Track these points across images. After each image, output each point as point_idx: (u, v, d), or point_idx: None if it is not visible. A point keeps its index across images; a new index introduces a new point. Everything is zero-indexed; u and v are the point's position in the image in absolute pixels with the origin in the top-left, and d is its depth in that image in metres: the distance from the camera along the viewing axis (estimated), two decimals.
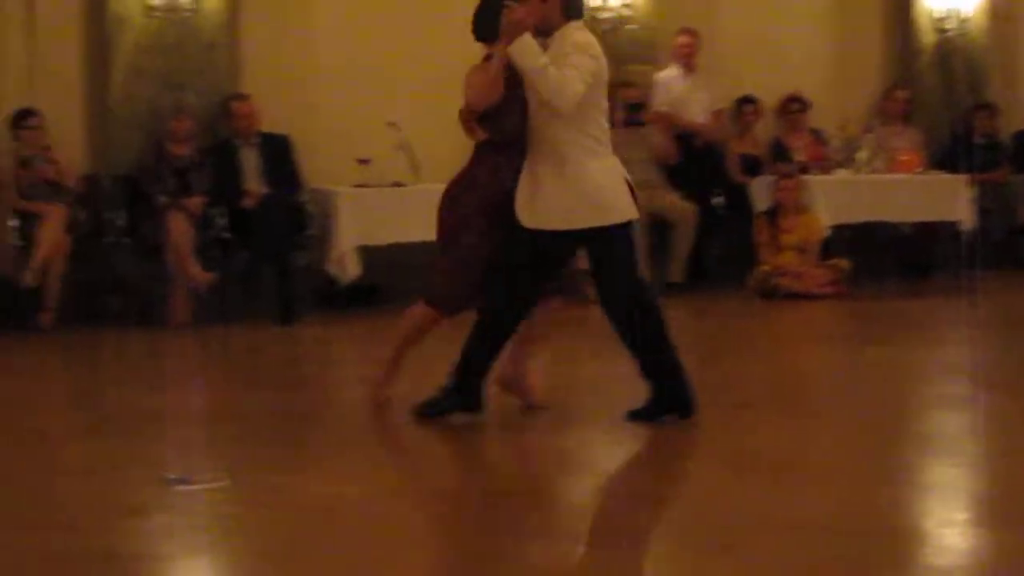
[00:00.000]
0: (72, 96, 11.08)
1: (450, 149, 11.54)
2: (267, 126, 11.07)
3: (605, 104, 6.82)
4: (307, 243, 10.87)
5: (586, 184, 6.66)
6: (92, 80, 11.14)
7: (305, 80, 11.44)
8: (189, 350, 9.98)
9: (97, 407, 7.89)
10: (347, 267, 10.69)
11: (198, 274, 10.35)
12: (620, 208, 6.75)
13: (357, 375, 8.67)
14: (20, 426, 7.27)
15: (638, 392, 6.82)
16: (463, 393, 6.85)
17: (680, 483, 6.19)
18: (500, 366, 7.09)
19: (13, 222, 10.56)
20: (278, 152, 11.03)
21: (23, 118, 10.66)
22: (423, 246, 10.81)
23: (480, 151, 6.93)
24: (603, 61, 6.73)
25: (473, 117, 6.86)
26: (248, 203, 10.68)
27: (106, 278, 10.75)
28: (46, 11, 10.94)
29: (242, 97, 11.07)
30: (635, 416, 6.81)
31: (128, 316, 10.54)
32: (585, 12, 7.14)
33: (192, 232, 10.46)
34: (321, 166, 11.22)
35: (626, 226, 6.80)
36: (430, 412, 6.87)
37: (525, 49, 6.52)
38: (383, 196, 10.95)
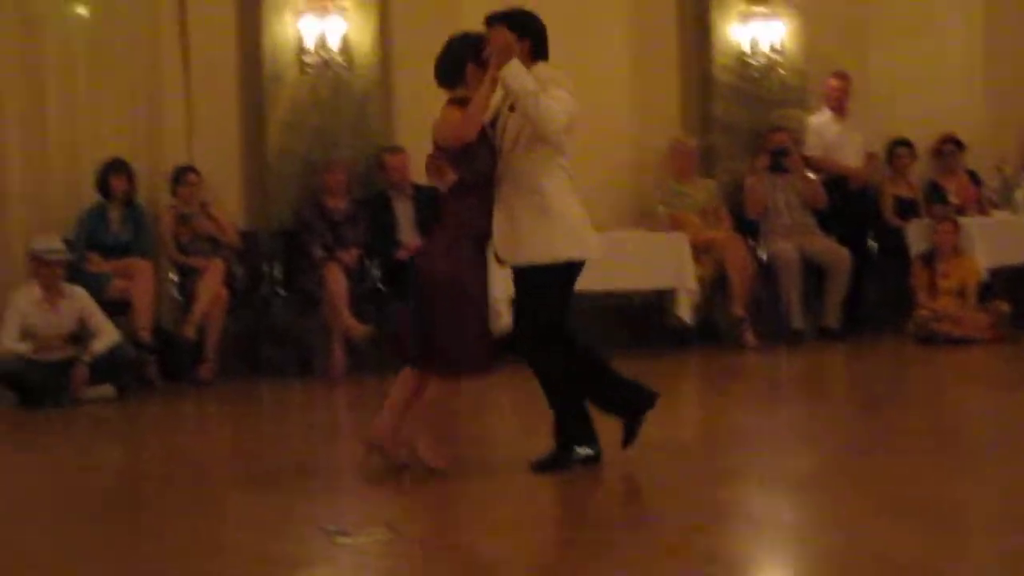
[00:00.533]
0: (230, 153, 11.32)
1: (600, 198, 11.66)
2: (420, 178, 11.17)
3: (572, 140, 6.85)
4: None
5: (569, 218, 6.75)
6: (249, 137, 11.37)
7: None
8: (346, 401, 10.07)
9: (255, 458, 7.97)
10: (499, 317, 10.71)
11: (354, 326, 10.46)
12: (594, 244, 6.89)
13: (517, 425, 8.72)
14: (183, 477, 7.38)
15: (806, 442, 6.69)
16: (576, 439, 6.90)
17: (843, 531, 6.07)
18: (372, 425, 7.03)
19: (173, 277, 10.79)
20: (431, 204, 11.11)
21: (182, 175, 10.89)
22: (573, 296, 10.91)
23: (453, 194, 6.87)
24: (575, 98, 6.78)
25: (445, 159, 6.84)
26: (403, 255, 10.78)
27: (264, 330, 10.92)
28: (203, 70, 11.21)
29: (395, 150, 11.20)
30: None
31: (286, 367, 10.69)
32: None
33: (348, 284, 10.58)
34: None
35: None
36: (553, 466, 6.86)
37: (518, 71, 6.60)
38: None
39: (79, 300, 10.01)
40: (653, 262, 11.17)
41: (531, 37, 6.78)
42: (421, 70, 11.34)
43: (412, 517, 6.26)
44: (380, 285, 10.83)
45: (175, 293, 10.83)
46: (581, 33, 11.83)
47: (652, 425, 7.05)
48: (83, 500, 6.87)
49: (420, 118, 11.33)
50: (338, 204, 10.98)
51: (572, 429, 6.89)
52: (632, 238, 11.29)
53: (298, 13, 11.22)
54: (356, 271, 10.76)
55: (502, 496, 6.67)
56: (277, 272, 10.91)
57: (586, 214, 6.84)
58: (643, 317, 11.89)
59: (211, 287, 10.52)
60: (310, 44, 11.22)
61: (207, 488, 7.17)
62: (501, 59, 6.60)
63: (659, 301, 11.62)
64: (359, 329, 10.49)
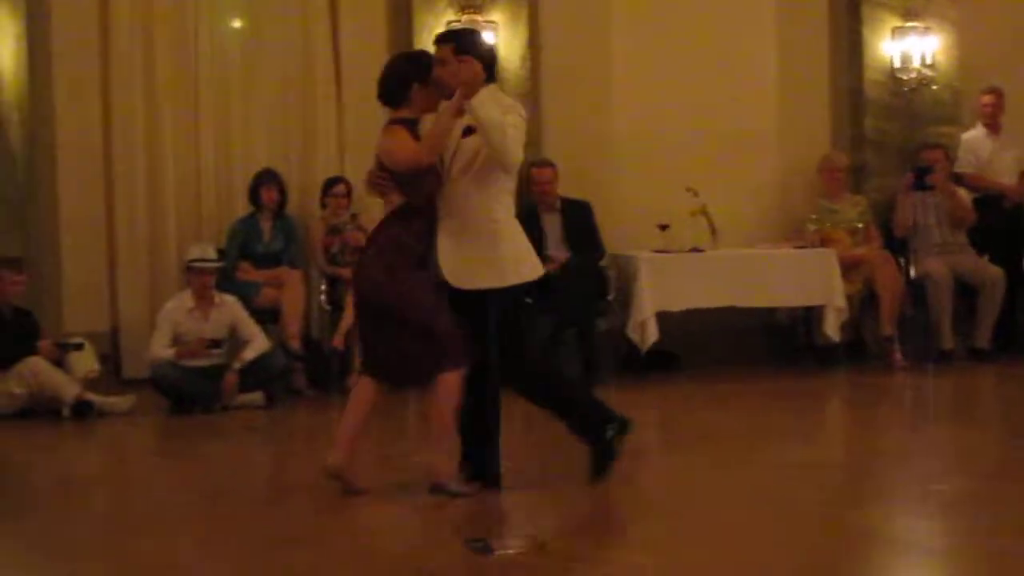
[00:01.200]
0: None
1: (748, 214, 11.62)
2: (568, 192, 11.21)
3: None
4: (608, 309, 10.94)
5: (520, 239, 6.80)
6: None
7: (604, 147, 11.57)
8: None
9: (396, 468, 8.02)
10: (647, 333, 10.72)
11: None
12: (539, 266, 6.96)
13: (659, 440, 8.71)
14: (321, 485, 7.46)
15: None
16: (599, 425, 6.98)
17: (990, 558, 5.97)
18: (331, 454, 6.98)
19: (322, 287, 10.94)
20: (579, 218, 11.15)
21: (332, 186, 11.04)
22: (719, 312, 10.88)
23: (398, 217, 6.82)
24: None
25: (391, 181, 6.77)
26: (550, 268, 10.80)
27: None
28: (354, 83, 11.34)
29: (543, 164, 11.23)
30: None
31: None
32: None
33: None
34: (621, 232, 11.31)
35: None
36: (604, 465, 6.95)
37: (485, 103, 6.49)
38: (682, 262, 10.95)
39: (230, 308, 10.20)
40: (801, 279, 11.07)
41: (481, 60, 6.65)
42: (570, 84, 11.57)
43: (555, 528, 6.27)
44: (527, 298, 10.83)
45: (324, 303, 10.97)
46: (730, 49, 11.82)
47: (796, 444, 7.00)
48: (231, 506, 6.98)
49: (568, 132, 11.50)
50: None
51: (592, 420, 6.96)
52: (780, 255, 11.21)
53: (447, 27, 11.28)
54: None
55: (649, 510, 6.68)
56: None
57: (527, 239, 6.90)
58: (789, 335, 11.82)
59: None
60: None
61: (353, 497, 7.25)
62: (469, 90, 6.49)
63: (806, 318, 11.53)
64: None
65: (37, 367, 9.80)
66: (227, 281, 10.49)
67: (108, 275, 11.28)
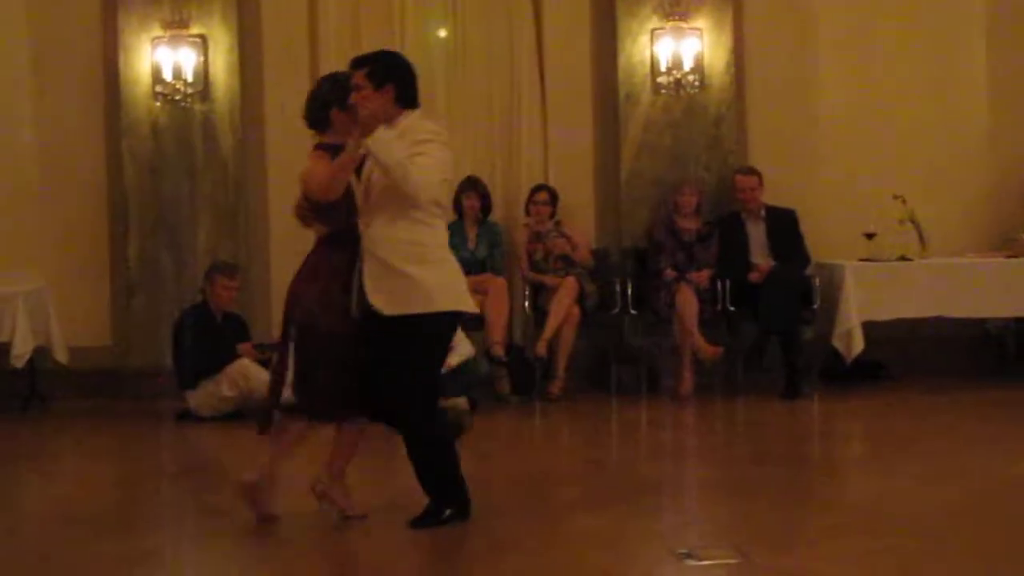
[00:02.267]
0: (584, 172, 11.47)
1: (957, 223, 11.37)
2: (773, 199, 11.09)
3: (447, 190, 6.75)
4: (812, 317, 10.79)
5: (448, 267, 6.50)
6: (602, 156, 11.50)
7: (810, 154, 11.43)
8: (694, 421, 10.07)
9: (603, 476, 8.04)
10: (852, 342, 10.55)
11: (704, 347, 10.44)
12: (469, 299, 6.60)
13: (859, 453, 8.57)
14: (527, 492, 7.50)
15: None
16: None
17: None
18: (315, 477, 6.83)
19: (525, 293, 10.99)
20: (784, 226, 11.03)
21: (537, 194, 11.08)
22: (927, 322, 10.67)
23: (329, 245, 6.62)
24: (448, 148, 6.47)
25: (311, 209, 6.57)
26: (754, 277, 10.72)
27: (614, 348, 10.99)
28: (559, 91, 11.41)
29: (748, 171, 11.13)
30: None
31: (636, 386, 10.75)
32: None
33: (699, 305, 10.57)
34: (827, 240, 11.15)
35: None
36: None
37: (384, 142, 6.18)
38: (889, 271, 10.76)
39: None
40: (1013, 289, 10.79)
41: (394, 83, 6.40)
42: (775, 90, 11.45)
43: (760, 541, 6.21)
44: (731, 306, 10.78)
45: (527, 309, 11.02)
46: (938, 55, 11.61)
47: (1008, 457, 6.83)
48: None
49: (773, 139, 11.38)
50: (690, 225, 10.98)
51: (443, 489, 6.60)
52: (991, 264, 10.94)
53: (653, 35, 11.28)
54: (707, 292, 10.74)
55: (852, 523, 6.57)
56: (628, 291, 10.98)
57: (459, 267, 6.61)
58: (998, 345, 11.54)
59: (563, 305, 10.66)
60: (663, 65, 11.26)
61: (554, 504, 7.27)
62: (366, 129, 6.20)
63: (1017, 330, 11.24)
64: (709, 350, 10.46)
65: (247, 370, 10.00)
66: None
67: None
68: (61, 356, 10.81)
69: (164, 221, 11.15)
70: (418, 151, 6.25)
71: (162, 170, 11.15)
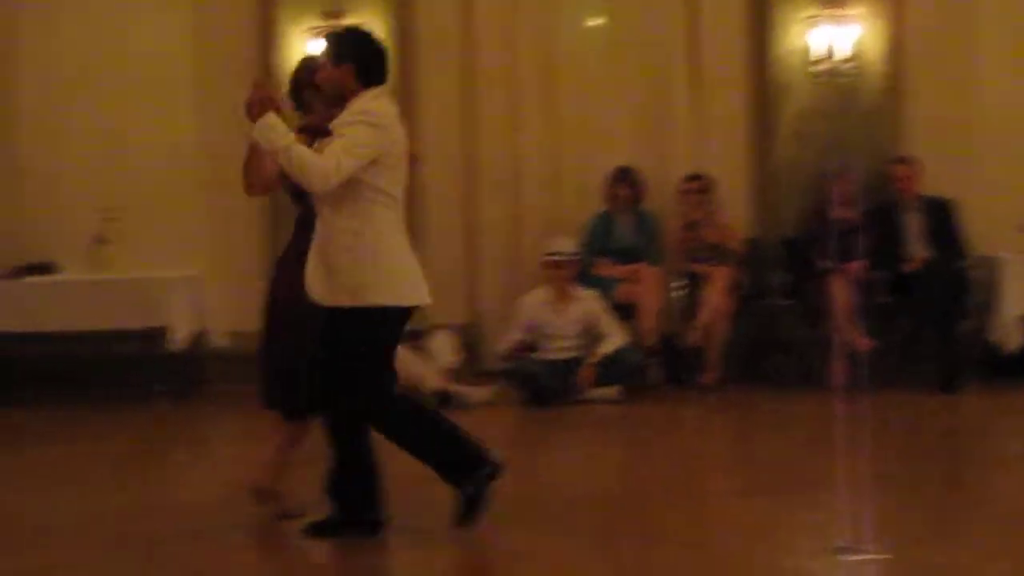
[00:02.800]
0: (737, 161, 11.39)
1: None
2: (930, 190, 10.92)
3: (398, 175, 6.13)
4: (970, 310, 10.62)
5: (388, 261, 6.06)
6: (756, 145, 11.41)
7: (970, 144, 11.21)
8: (848, 415, 9.94)
9: (757, 468, 8.00)
10: (1010, 336, 10.37)
11: (858, 339, 10.32)
12: (415, 292, 6.21)
13: (1016, 448, 8.43)
14: (681, 483, 7.49)
15: None
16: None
17: None
18: (254, 477, 6.69)
19: (679, 283, 10.95)
20: (941, 217, 10.85)
21: (690, 183, 11.04)
22: None
23: (298, 227, 6.47)
24: (391, 130, 6.08)
25: (290, 190, 6.38)
26: (910, 268, 10.57)
27: (768, 339, 10.92)
28: (712, 79, 11.33)
29: (904, 161, 10.98)
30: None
31: (789, 377, 10.67)
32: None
33: (853, 296, 10.46)
34: (985, 232, 10.95)
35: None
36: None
37: (267, 128, 5.91)
38: None
39: (588, 303, 10.32)
40: None
41: (354, 61, 6.11)
42: (933, 78, 11.25)
43: (914, 536, 6.14)
44: (886, 298, 10.65)
45: (680, 299, 10.98)
46: None
47: None
48: (584, 500, 7.05)
49: (931, 128, 11.19)
50: (845, 214, 10.84)
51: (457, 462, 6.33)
52: None
53: (809, 22, 11.17)
54: (862, 283, 10.61)
55: (1002, 520, 6.47)
56: (782, 282, 10.88)
57: (413, 258, 6.20)
58: None
59: (716, 294, 10.62)
60: (820, 52, 11.15)
61: (707, 494, 7.26)
62: (253, 113, 5.96)
63: None
64: (863, 342, 10.34)
65: (401, 357, 10.06)
66: (585, 277, 10.61)
67: (469, 268, 11.55)
68: (220, 340, 11.00)
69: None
70: (339, 133, 5.98)
71: None
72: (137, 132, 11.41)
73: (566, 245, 10.51)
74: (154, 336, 10.59)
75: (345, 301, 6.01)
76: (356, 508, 6.29)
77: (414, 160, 6.48)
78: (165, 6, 11.56)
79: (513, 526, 6.50)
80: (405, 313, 6.18)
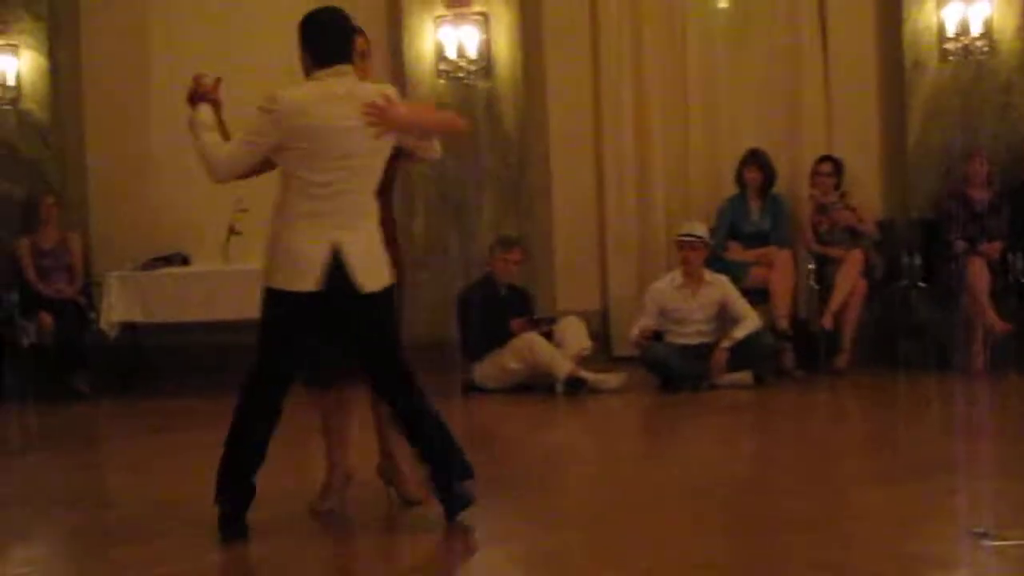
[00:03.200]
0: (869, 142, 11.25)
1: None
2: None
3: (316, 161, 5.85)
4: None
5: (282, 243, 5.87)
6: (888, 125, 11.25)
7: None
8: (984, 398, 9.79)
9: (892, 452, 7.89)
10: None
11: (996, 321, 10.14)
12: (295, 278, 5.87)
13: None
14: (814, 468, 7.40)
15: None
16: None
17: None
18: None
19: (811, 266, 10.83)
20: None
21: (821, 165, 10.91)
22: None
23: None
24: (292, 116, 5.85)
25: None
26: None
27: (902, 322, 10.76)
28: (842, 60, 11.21)
29: None
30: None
31: (924, 360, 10.50)
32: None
33: (990, 278, 10.26)
34: None
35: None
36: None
37: (192, 120, 6.06)
38: None
39: (720, 287, 10.24)
40: None
41: (305, 43, 6.10)
42: None
43: None
44: (1023, 279, 10.45)
45: (812, 283, 10.86)
46: None
47: None
48: (717, 487, 7.00)
49: None
50: (981, 194, 10.66)
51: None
52: None
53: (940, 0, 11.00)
54: (999, 264, 10.41)
55: None
56: (916, 264, 10.72)
57: (309, 245, 5.84)
58: None
59: (849, 277, 10.48)
60: (951, 30, 10.95)
61: (842, 479, 7.16)
62: (190, 103, 6.12)
63: None
64: (1000, 325, 10.16)
65: (533, 343, 10.10)
66: (717, 261, 10.53)
67: (598, 254, 11.53)
68: None
69: (449, 197, 11.34)
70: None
71: (447, 147, 11.23)
72: None
73: (699, 228, 10.44)
74: None
75: (262, 281, 6.03)
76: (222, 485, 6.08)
77: (410, 154, 6.30)
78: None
79: (645, 512, 6.47)
80: (291, 298, 5.88)
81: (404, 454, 6.39)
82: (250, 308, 10.44)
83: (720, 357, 10.01)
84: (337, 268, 5.83)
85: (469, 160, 11.28)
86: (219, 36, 11.55)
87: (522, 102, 11.34)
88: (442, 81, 11.28)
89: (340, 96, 5.91)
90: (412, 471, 6.43)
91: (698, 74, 11.43)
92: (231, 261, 11.05)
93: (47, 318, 10.90)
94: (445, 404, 9.74)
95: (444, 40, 11.24)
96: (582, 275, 11.49)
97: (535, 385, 10.19)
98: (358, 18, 11.33)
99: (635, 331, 10.28)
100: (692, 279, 10.26)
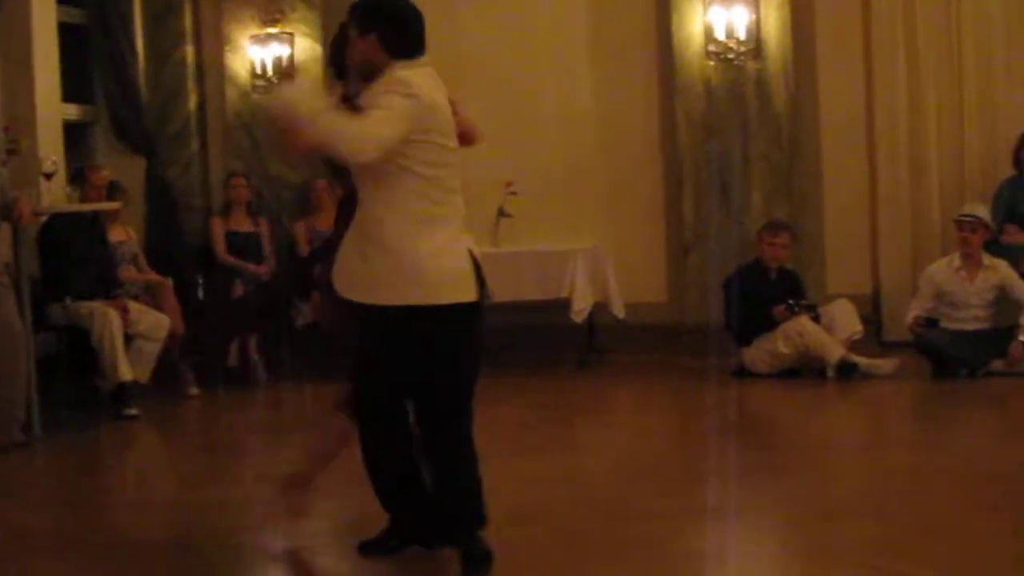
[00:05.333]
0: None
1: None
2: None
3: (433, 157, 5.26)
4: None
5: (405, 257, 5.25)
6: None
7: None
8: None
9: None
10: None
11: None
12: (433, 289, 5.28)
13: None
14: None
15: None
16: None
17: None
18: None
19: None
20: None
21: None
22: None
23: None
24: (423, 101, 5.23)
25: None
26: None
27: None
28: None
29: None
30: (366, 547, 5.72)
31: None
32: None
33: None
34: None
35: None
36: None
37: (299, 93, 5.42)
38: None
39: (1000, 271, 9.95)
40: None
41: (377, 30, 5.37)
42: None
43: None
44: None
45: None
46: None
47: None
48: (994, 475, 6.82)
49: None
50: None
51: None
52: None
53: None
54: None
55: None
56: None
57: (442, 252, 5.27)
58: None
59: None
60: None
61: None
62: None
63: None
64: None
65: (804, 327, 9.98)
66: (994, 244, 10.23)
67: (870, 237, 11.34)
68: (619, 312, 11.11)
69: (717, 179, 11.26)
70: (374, 105, 5.24)
71: (716, 129, 11.25)
72: (536, 105, 11.65)
73: (980, 210, 10.16)
74: (556, 308, 10.77)
75: (361, 298, 5.40)
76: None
77: (467, 135, 5.66)
78: None
79: (928, 500, 6.34)
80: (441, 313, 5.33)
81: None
82: (517, 290, 10.77)
83: (1018, 351, 9.68)
84: (479, 276, 5.41)
85: (738, 142, 11.18)
86: (489, 17, 11.72)
87: (792, 84, 11.19)
88: (711, 63, 11.20)
89: (439, 91, 5.42)
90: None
91: (973, 54, 11.12)
92: (500, 244, 11.16)
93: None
94: (715, 388, 9.85)
95: (713, 21, 11.15)
96: (853, 258, 11.30)
97: (806, 369, 10.07)
98: (627, 2, 11.52)
99: (911, 316, 10.06)
100: (971, 262, 9.99)
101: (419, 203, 5.26)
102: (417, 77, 5.30)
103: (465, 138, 5.58)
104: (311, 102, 5.22)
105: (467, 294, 5.32)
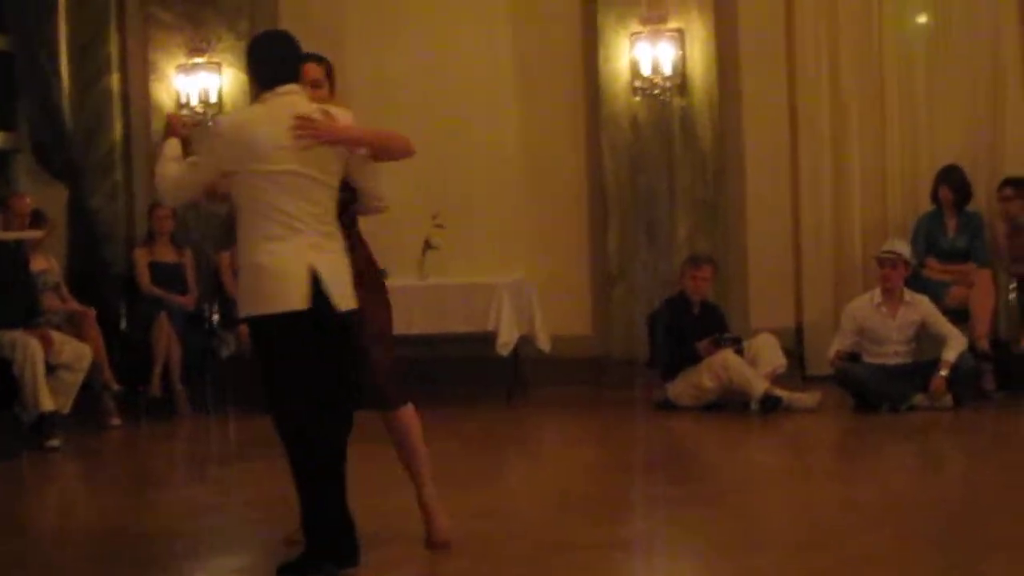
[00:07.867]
0: None
1: None
2: None
3: (262, 184, 5.64)
4: None
5: (255, 271, 5.71)
6: None
7: None
8: None
9: None
10: None
11: None
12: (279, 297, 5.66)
13: None
14: (1020, 492, 7.23)
15: None
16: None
17: None
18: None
19: (1010, 286, 10.60)
20: None
21: (1003, 188, 10.66)
22: None
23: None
24: (227, 138, 5.71)
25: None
26: None
27: None
28: None
29: None
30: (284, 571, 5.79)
31: None
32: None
33: None
34: None
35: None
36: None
37: (163, 149, 6.00)
38: None
39: (920, 307, 10.04)
40: None
41: (249, 69, 6.03)
42: None
43: None
44: None
45: (1013, 304, 10.61)
46: None
47: None
48: (917, 506, 6.93)
49: None
50: None
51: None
52: None
53: None
54: None
55: None
56: None
57: (287, 263, 5.63)
58: None
59: None
60: None
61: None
62: (165, 134, 6.08)
63: None
64: None
65: (728, 361, 10.03)
66: (915, 279, 10.33)
67: (793, 272, 11.43)
68: (544, 345, 11.14)
69: (643, 213, 11.33)
70: (197, 150, 5.97)
71: (642, 163, 11.32)
72: (463, 138, 11.66)
73: (901, 246, 10.27)
74: (482, 340, 10.76)
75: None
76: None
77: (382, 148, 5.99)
78: (487, 13, 11.77)
79: (847, 529, 6.40)
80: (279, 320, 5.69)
81: (432, 493, 6.32)
82: (443, 323, 10.78)
83: (940, 384, 9.78)
84: (316, 287, 5.68)
85: (663, 177, 11.26)
86: (414, 51, 11.74)
87: (717, 119, 11.29)
88: (637, 98, 11.27)
89: (284, 116, 5.70)
90: (439, 514, 6.32)
91: (895, 90, 11.26)
92: (426, 276, 11.15)
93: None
94: (640, 421, 9.89)
95: (639, 57, 11.23)
96: (776, 292, 11.39)
97: (729, 403, 10.13)
98: (554, 37, 11.55)
99: (832, 351, 10.15)
100: (892, 298, 10.09)
101: (264, 224, 5.65)
102: (243, 113, 5.94)
103: (384, 153, 5.97)
104: (165, 150, 5.93)
105: (291, 303, 5.62)
